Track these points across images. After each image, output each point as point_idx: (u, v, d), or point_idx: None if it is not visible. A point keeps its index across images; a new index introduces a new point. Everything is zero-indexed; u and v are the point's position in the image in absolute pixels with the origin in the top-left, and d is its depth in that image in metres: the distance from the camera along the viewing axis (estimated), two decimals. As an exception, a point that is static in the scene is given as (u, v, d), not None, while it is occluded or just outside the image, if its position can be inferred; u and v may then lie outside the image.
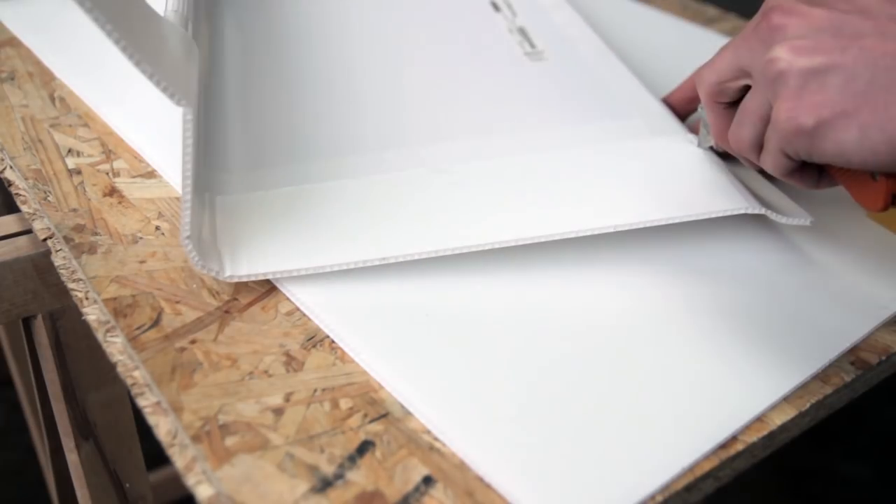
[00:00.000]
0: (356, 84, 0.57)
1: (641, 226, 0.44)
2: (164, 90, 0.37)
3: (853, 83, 0.33)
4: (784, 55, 0.35)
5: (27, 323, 0.50)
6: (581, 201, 0.46)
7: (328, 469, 0.33)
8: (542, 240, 0.43)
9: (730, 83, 0.41)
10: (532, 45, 0.62)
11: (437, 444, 0.35)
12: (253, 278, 0.41)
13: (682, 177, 0.48)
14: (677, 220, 0.44)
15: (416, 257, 0.42)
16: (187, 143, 0.39)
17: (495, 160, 0.49)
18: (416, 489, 0.33)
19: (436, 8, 0.68)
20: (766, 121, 0.38)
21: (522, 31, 0.64)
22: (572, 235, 0.43)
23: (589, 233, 0.44)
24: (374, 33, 0.63)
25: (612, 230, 0.44)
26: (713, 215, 0.44)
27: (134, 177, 0.49)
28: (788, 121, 0.35)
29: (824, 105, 0.34)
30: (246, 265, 0.41)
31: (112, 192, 0.47)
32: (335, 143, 0.51)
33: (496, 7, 0.68)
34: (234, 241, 0.42)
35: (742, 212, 0.44)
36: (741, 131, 0.40)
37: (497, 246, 0.43)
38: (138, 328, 0.39)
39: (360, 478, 0.33)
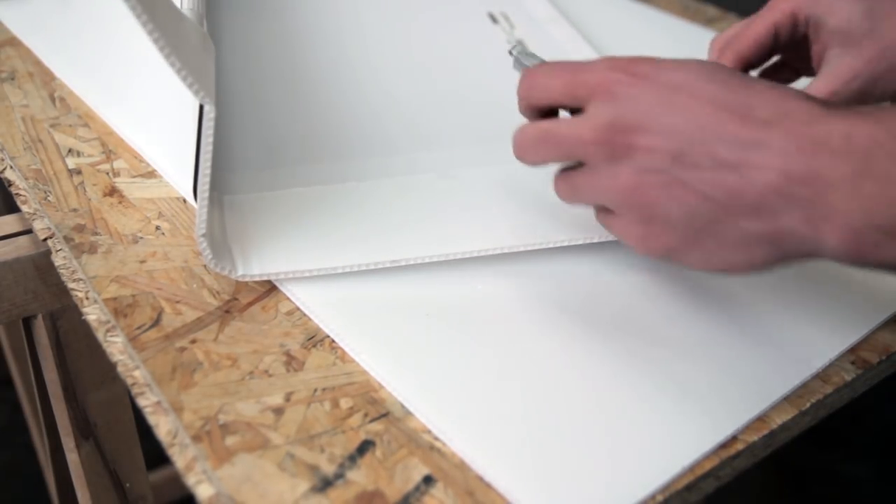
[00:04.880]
0: (363, 89, 0.57)
1: None
2: (190, 86, 0.37)
3: (693, 217, 0.34)
4: (632, 189, 0.35)
5: (27, 323, 0.50)
6: (586, 209, 0.46)
7: (328, 468, 0.33)
8: (547, 246, 0.43)
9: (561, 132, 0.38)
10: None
11: (438, 444, 0.35)
12: (265, 278, 0.41)
13: None
14: None
15: (427, 261, 0.42)
16: (208, 139, 0.39)
17: (501, 167, 0.49)
18: (417, 489, 0.33)
19: (436, 19, 0.68)
20: (600, 204, 0.39)
21: (521, 44, 0.64)
22: (579, 242, 0.44)
23: (593, 240, 0.44)
24: (377, 43, 0.64)
25: (615, 239, 0.44)
26: None
27: (134, 177, 0.49)
28: (638, 245, 0.37)
29: (671, 237, 0.35)
30: (257, 265, 0.41)
31: (112, 191, 0.47)
32: (343, 146, 0.51)
33: (494, 19, 0.68)
34: (245, 240, 0.42)
35: None
36: (572, 197, 0.40)
37: (504, 251, 0.43)
38: (138, 328, 0.39)
39: (360, 477, 0.33)
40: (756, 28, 0.45)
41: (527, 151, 0.40)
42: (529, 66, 0.43)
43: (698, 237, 0.35)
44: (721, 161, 0.33)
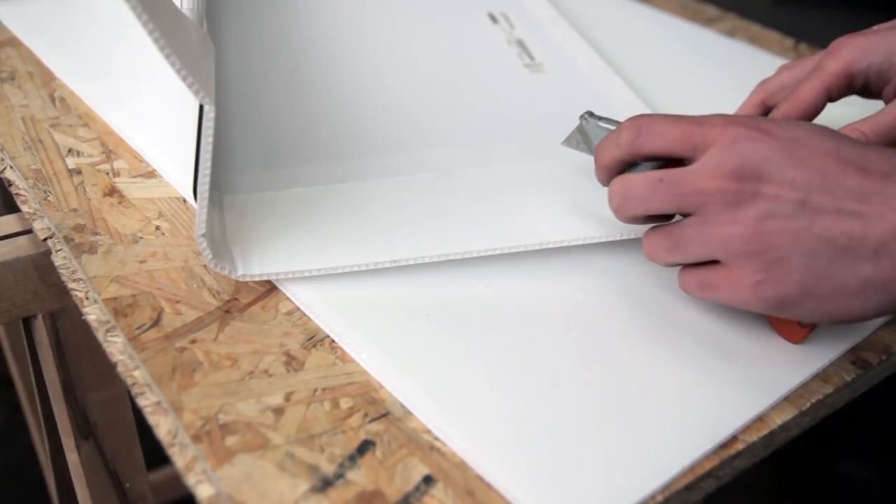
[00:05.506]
0: (363, 89, 0.57)
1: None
2: (190, 86, 0.37)
3: (813, 261, 0.35)
4: (754, 235, 0.36)
5: (27, 323, 0.50)
6: (585, 209, 0.46)
7: (328, 468, 0.33)
8: (548, 246, 0.43)
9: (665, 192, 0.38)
10: (531, 58, 0.63)
11: (438, 444, 0.35)
12: (265, 278, 0.41)
13: None
14: None
15: (427, 261, 0.42)
16: (208, 140, 0.39)
17: (501, 167, 0.50)
18: (417, 488, 0.33)
19: (436, 18, 0.68)
20: (704, 260, 0.38)
21: (521, 44, 0.65)
22: (578, 243, 0.44)
23: (592, 241, 0.44)
24: (378, 43, 0.64)
25: (616, 239, 0.44)
26: None
27: (134, 177, 0.49)
28: (751, 295, 0.36)
29: (788, 284, 0.36)
30: (257, 264, 0.41)
31: (112, 191, 0.47)
32: (343, 145, 0.51)
33: (494, 19, 0.68)
34: (245, 240, 0.42)
35: None
36: (671, 254, 0.39)
37: (505, 251, 0.43)
38: (138, 328, 0.39)
39: (360, 477, 0.33)
40: (806, 93, 0.46)
41: (633, 201, 0.39)
42: (606, 126, 0.44)
43: (816, 284, 0.35)
44: (844, 209, 0.35)
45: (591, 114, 0.44)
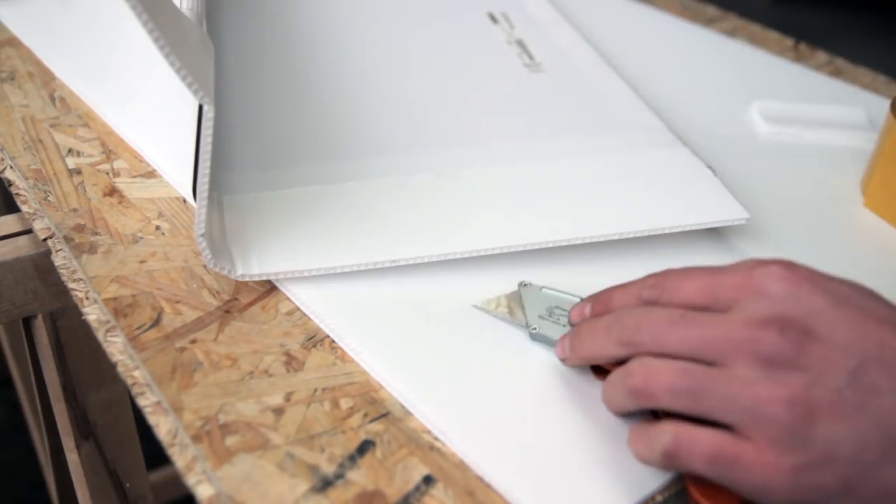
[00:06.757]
0: (362, 89, 0.57)
1: (642, 234, 0.44)
2: (190, 86, 0.37)
3: (863, 453, 0.28)
4: (797, 404, 0.28)
5: (27, 323, 0.50)
6: (584, 209, 0.46)
7: (328, 468, 0.33)
8: (547, 245, 0.43)
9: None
10: (531, 58, 0.63)
11: (438, 444, 0.35)
12: (265, 277, 0.41)
13: (680, 187, 0.48)
14: (679, 230, 0.45)
15: (426, 260, 0.42)
16: (207, 139, 0.39)
17: (500, 167, 0.50)
18: (417, 489, 0.33)
19: (435, 18, 0.68)
20: (721, 419, 0.30)
21: (521, 44, 0.65)
22: (577, 242, 0.44)
23: (592, 240, 0.44)
24: (377, 42, 0.64)
25: (615, 238, 0.44)
26: (713, 225, 0.45)
27: (134, 177, 0.49)
28: (788, 479, 0.29)
29: (827, 475, 0.29)
30: (257, 264, 0.41)
31: (112, 191, 0.47)
32: (342, 145, 0.51)
33: (494, 19, 0.68)
34: (245, 240, 0.42)
35: (742, 222, 0.45)
36: (669, 398, 0.31)
37: (504, 251, 0.43)
38: (138, 328, 0.39)
39: (360, 477, 0.33)
40: None
41: (642, 332, 0.32)
42: (558, 293, 0.41)
43: (861, 481, 0.28)
44: None
45: (529, 283, 0.42)
